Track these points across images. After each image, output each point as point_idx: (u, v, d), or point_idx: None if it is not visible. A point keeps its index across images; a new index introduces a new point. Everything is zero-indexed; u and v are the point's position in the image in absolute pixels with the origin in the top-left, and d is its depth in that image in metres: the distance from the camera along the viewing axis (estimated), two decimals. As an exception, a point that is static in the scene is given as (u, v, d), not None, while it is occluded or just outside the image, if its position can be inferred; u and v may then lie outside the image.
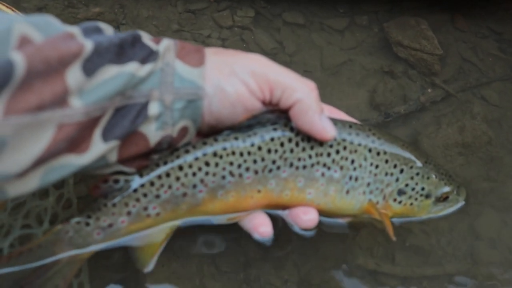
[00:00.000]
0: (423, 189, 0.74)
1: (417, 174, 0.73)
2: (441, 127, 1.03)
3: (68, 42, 0.51)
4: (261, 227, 0.71)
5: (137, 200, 0.68)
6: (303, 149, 0.69)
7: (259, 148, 0.68)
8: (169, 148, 0.67)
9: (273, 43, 1.12)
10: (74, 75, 0.51)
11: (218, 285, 0.86)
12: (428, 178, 0.74)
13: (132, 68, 0.57)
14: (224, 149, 0.68)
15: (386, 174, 0.71)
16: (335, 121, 0.71)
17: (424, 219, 0.80)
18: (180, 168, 0.67)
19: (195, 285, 0.86)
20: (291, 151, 0.68)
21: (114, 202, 0.67)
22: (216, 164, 0.68)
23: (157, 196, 0.68)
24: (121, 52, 0.56)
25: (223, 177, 0.68)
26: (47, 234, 0.67)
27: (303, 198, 0.71)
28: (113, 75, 0.55)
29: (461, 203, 0.82)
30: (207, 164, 0.67)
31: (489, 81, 1.13)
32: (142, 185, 0.67)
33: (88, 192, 0.67)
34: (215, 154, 0.68)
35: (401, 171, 0.72)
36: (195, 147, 0.68)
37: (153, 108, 0.60)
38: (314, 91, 0.66)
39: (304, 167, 0.69)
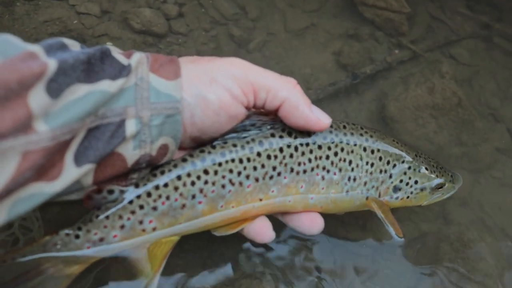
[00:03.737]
0: (416, 182, 0.75)
1: (409, 168, 0.74)
2: (409, 88, 1.01)
3: (29, 62, 0.47)
4: (264, 232, 0.70)
5: (132, 212, 0.64)
6: (303, 154, 0.68)
7: (259, 154, 0.66)
8: (148, 167, 0.63)
9: (234, 8, 1.07)
10: (37, 98, 0.47)
11: (181, 262, 0.83)
12: (419, 171, 0.75)
13: (104, 86, 0.53)
14: (223, 156, 0.65)
15: (381, 171, 0.73)
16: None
17: (425, 205, 0.81)
18: (179, 177, 0.64)
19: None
20: (291, 156, 0.67)
21: (107, 214, 0.63)
22: (215, 172, 0.65)
23: (154, 208, 0.64)
24: (90, 69, 0.53)
25: (223, 186, 0.65)
26: (33, 243, 0.63)
27: (306, 203, 0.70)
28: (82, 94, 0.51)
29: (458, 187, 0.83)
30: (206, 172, 0.64)
31: (458, 39, 1.11)
32: (138, 196, 0.63)
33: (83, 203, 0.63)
34: (213, 162, 0.65)
35: (394, 166, 0.73)
36: (192, 155, 0.65)
37: (130, 127, 0.56)
38: (297, 86, 0.65)
39: (305, 171, 0.68)
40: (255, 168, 0.66)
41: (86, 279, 0.78)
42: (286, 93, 0.63)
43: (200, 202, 0.65)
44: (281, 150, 0.67)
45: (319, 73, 1.04)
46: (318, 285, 0.84)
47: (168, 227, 0.66)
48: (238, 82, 0.61)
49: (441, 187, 0.79)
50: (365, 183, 0.72)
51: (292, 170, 0.68)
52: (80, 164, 0.54)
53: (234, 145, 0.66)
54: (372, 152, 0.72)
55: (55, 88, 0.48)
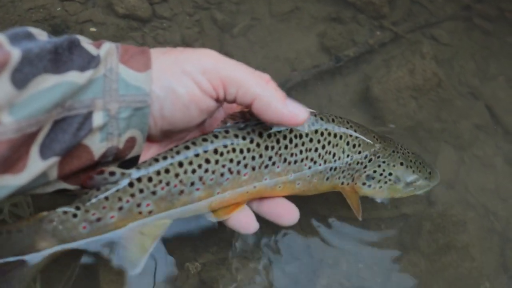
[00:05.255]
0: (390, 174, 0.80)
1: (384, 162, 0.80)
2: (391, 70, 1.02)
3: None
4: (249, 225, 0.71)
5: (132, 195, 0.64)
6: (296, 145, 0.71)
7: (258, 145, 0.68)
8: (115, 160, 0.62)
9: (216, -9, 1.08)
10: (2, 88, 0.46)
11: (171, 243, 0.84)
12: (394, 166, 0.81)
13: (72, 77, 0.51)
14: (225, 146, 0.67)
15: (357, 163, 0.78)
16: (319, 115, 0.73)
17: (397, 198, 0.85)
18: (180, 164, 0.65)
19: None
20: (286, 147, 0.70)
21: (106, 195, 0.63)
22: (216, 162, 0.66)
23: (153, 193, 0.65)
24: (57, 59, 0.51)
25: (222, 175, 0.67)
26: (29, 219, 0.62)
27: (292, 188, 0.75)
28: (49, 86, 0.49)
29: (433, 185, 0.87)
30: (207, 161, 0.66)
31: (438, 21, 1.13)
32: (139, 180, 0.64)
33: (81, 182, 0.62)
34: (216, 151, 0.66)
35: (370, 160, 0.78)
36: (195, 143, 0.66)
37: (98, 119, 0.55)
38: (270, 82, 0.63)
39: (295, 162, 0.72)
40: (253, 158, 0.68)
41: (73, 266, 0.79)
42: (258, 90, 0.61)
43: (198, 189, 0.67)
44: (277, 141, 0.69)
45: (304, 57, 1.06)
46: (307, 263, 0.86)
47: (164, 210, 0.67)
48: (207, 76, 0.59)
49: (414, 182, 0.83)
50: (343, 172, 0.77)
51: (285, 160, 0.71)
52: (45, 157, 0.52)
53: (236, 135, 0.67)
54: (354, 146, 0.76)
55: (20, 78, 0.47)
